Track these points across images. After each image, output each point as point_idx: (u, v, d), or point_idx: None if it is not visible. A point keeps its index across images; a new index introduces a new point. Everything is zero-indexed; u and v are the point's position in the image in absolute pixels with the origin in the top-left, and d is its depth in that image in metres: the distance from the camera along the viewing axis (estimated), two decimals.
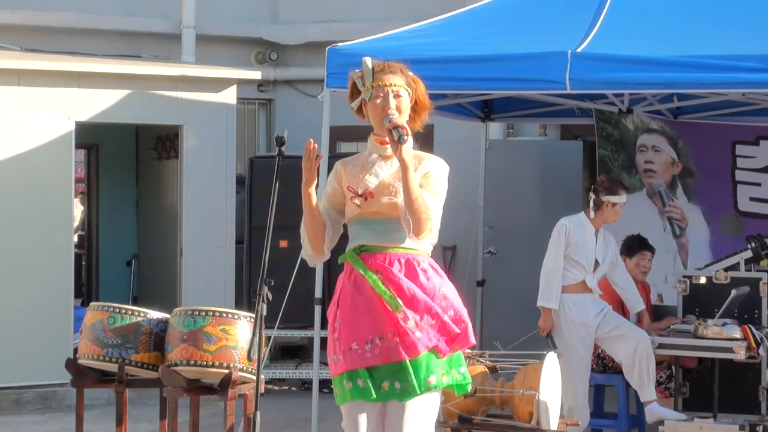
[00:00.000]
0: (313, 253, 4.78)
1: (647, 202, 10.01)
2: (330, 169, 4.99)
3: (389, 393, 4.59)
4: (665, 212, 10.07)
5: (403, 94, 4.68)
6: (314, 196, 4.66)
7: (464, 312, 4.71)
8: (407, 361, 4.55)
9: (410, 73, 4.75)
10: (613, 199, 7.67)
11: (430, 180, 4.65)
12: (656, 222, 10.02)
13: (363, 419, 4.65)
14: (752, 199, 9.95)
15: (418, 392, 4.56)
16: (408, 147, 4.61)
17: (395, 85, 4.67)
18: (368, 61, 4.74)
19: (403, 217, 4.56)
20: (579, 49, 7.30)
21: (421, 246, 4.68)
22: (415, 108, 4.77)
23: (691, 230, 10.06)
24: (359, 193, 4.67)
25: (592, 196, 7.71)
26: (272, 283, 4.69)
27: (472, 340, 4.69)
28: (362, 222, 4.69)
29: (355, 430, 4.67)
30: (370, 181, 4.67)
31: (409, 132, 4.57)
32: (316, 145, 4.60)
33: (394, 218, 4.61)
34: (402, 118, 4.66)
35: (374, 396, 4.59)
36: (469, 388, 4.77)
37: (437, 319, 4.60)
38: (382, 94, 4.67)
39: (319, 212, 4.71)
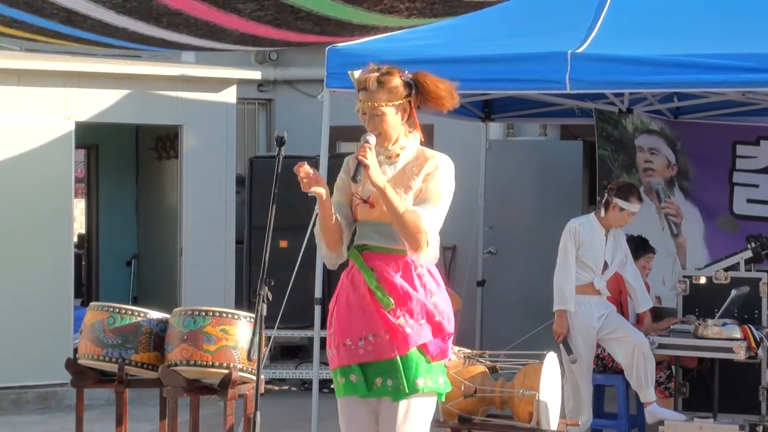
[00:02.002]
0: (329, 252, 4.73)
1: (645, 200, 10.00)
2: (330, 169, 5.00)
3: (382, 390, 4.60)
4: (661, 209, 10.07)
5: (384, 112, 4.60)
6: (325, 196, 4.59)
7: (449, 326, 4.68)
8: (398, 358, 4.56)
9: (402, 78, 4.63)
10: (621, 203, 7.66)
11: (431, 183, 4.61)
12: (655, 222, 10.01)
13: (355, 415, 4.67)
14: (749, 200, 9.94)
15: (407, 392, 4.56)
16: (409, 148, 4.64)
17: (372, 106, 4.59)
18: (354, 74, 4.70)
19: (397, 235, 4.56)
20: (579, 50, 7.30)
21: (420, 260, 4.65)
22: (428, 100, 4.68)
23: (687, 226, 10.04)
24: (363, 199, 4.67)
25: (605, 194, 7.71)
26: (272, 283, 4.69)
27: (449, 355, 4.68)
28: (368, 224, 4.69)
29: (348, 425, 4.69)
30: (372, 187, 4.65)
31: (369, 165, 4.47)
32: (301, 167, 4.52)
33: None
34: (391, 133, 4.61)
35: (367, 392, 4.61)
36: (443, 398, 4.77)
37: (430, 318, 4.61)
38: (362, 113, 4.64)
39: (332, 211, 4.65)
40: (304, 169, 4.51)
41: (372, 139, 4.58)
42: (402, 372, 4.55)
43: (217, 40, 4.89)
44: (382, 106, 4.60)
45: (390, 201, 4.50)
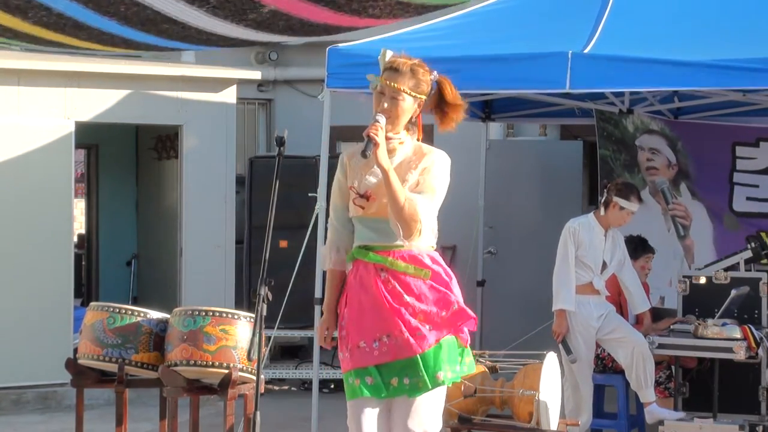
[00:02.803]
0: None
1: (650, 200, 10.00)
2: (330, 168, 5.01)
3: (398, 389, 4.62)
4: (669, 210, 10.06)
5: (404, 98, 4.63)
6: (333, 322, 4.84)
7: (463, 304, 4.74)
8: (418, 356, 4.58)
9: (430, 76, 4.69)
10: (621, 202, 7.66)
11: (427, 176, 4.63)
12: (660, 222, 10.01)
13: (367, 416, 4.68)
14: (749, 198, 9.93)
15: (429, 387, 4.59)
16: (407, 143, 4.66)
17: (396, 88, 4.62)
18: (387, 53, 4.73)
19: (392, 220, 4.56)
20: (582, 51, 7.31)
21: (423, 243, 4.69)
22: (443, 107, 4.73)
23: (695, 229, 10.03)
24: (361, 193, 4.67)
25: (604, 193, 7.71)
26: (272, 283, 4.70)
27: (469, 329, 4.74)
28: (365, 221, 4.70)
29: (359, 427, 4.69)
30: (370, 181, 4.66)
31: (379, 144, 4.51)
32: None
33: None
34: (401, 120, 4.65)
35: (385, 393, 4.62)
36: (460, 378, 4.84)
37: (450, 306, 4.64)
38: (380, 92, 4.66)
39: (341, 272, 4.83)
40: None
41: (382, 120, 4.60)
42: (423, 369, 4.57)
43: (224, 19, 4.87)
44: (405, 92, 4.63)
45: (392, 185, 4.51)
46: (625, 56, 7.24)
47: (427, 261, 4.67)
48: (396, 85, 4.62)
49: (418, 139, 4.76)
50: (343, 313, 4.74)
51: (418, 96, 4.66)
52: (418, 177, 4.62)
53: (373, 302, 4.62)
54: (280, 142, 4.75)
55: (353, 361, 4.65)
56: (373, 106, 4.68)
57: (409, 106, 4.66)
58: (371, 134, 4.51)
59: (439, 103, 4.73)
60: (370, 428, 4.67)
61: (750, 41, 7.45)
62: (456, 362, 4.67)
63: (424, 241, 4.68)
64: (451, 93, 4.72)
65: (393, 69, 4.65)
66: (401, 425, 4.62)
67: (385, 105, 4.63)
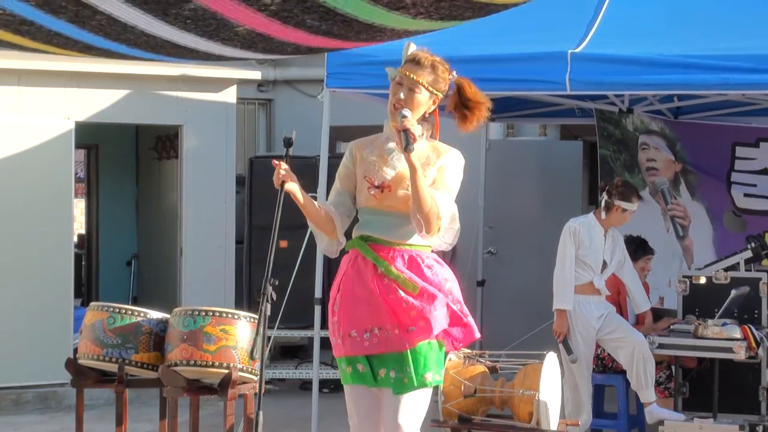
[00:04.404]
0: (329, 241, 4.76)
1: (650, 201, 10.00)
2: (330, 168, 5.01)
3: (385, 380, 4.64)
4: (668, 210, 10.06)
5: (420, 91, 4.63)
6: (298, 193, 4.62)
7: (466, 308, 4.76)
8: (407, 352, 4.59)
9: (449, 75, 4.70)
10: (624, 205, 7.68)
11: (444, 175, 4.65)
12: (659, 223, 10.00)
13: (363, 399, 4.71)
14: (747, 195, 9.92)
15: (415, 385, 4.60)
16: (421, 142, 4.63)
17: (414, 80, 4.62)
18: (410, 46, 4.72)
19: (413, 215, 4.56)
20: (578, 49, 7.30)
21: (430, 243, 4.70)
22: (463, 107, 4.74)
23: (694, 229, 10.03)
24: (376, 184, 4.66)
25: (605, 197, 7.71)
26: (276, 283, 4.68)
27: (477, 334, 4.75)
28: (374, 213, 4.70)
29: (357, 409, 4.73)
30: (388, 173, 4.66)
31: (417, 138, 4.53)
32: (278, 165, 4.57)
33: (407, 213, 4.61)
34: (414, 115, 4.64)
35: (374, 382, 4.66)
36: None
37: (447, 308, 4.65)
38: (398, 82, 4.65)
39: (313, 203, 4.70)
40: (284, 166, 4.56)
41: (409, 114, 4.59)
42: (412, 366, 4.59)
43: (224, 42, 4.85)
44: (423, 85, 4.64)
45: (419, 182, 4.50)
46: (625, 57, 7.23)
47: (427, 263, 4.67)
48: (415, 77, 4.63)
49: (434, 137, 4.77)
50: (335, 299, 4.75)
51: (435, 92, 4.67)
52: (435, 174, 4.64)
53: (369, 295, 4.63)
54: (288, 143, 4.69)
55: (345, 349, 4.69)
56: (390, 97, 4.67)
57: (424, 100, 4.66)
58: (408, 128, 4.51)
59: (459, 103, 4.74)
60: (365, 411, 4.71)
61: (749, 34, 7.44)
62: (441, 366, 4.70)
63: (433, 241, 4.68)
64: (471, 90, 4.74)
65: (414, 61, 4.67)
66: (390, 420, 4.63)
67: (401, 95, 4.63)
